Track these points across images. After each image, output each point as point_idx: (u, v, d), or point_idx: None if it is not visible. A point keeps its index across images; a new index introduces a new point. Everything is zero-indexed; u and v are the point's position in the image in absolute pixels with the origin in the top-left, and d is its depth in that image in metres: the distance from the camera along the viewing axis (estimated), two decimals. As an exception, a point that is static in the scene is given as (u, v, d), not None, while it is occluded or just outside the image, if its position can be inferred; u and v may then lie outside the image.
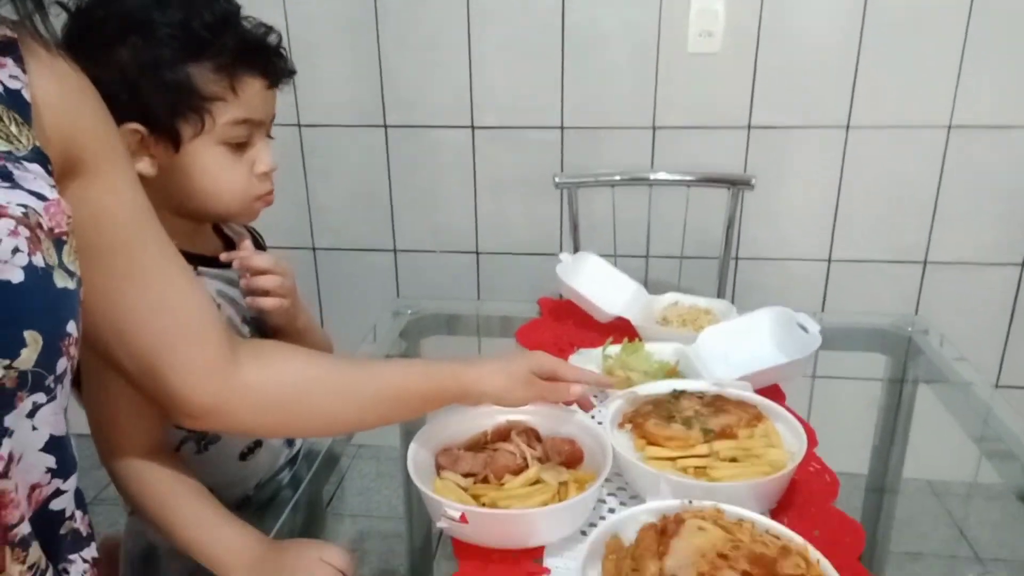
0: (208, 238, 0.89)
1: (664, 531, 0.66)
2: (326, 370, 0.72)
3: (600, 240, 1.75)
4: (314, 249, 2.02)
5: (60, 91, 0.54)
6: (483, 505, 0.74)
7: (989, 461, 1.05)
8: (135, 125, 0.74)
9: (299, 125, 1.91)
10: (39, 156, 0.51)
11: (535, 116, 1.86)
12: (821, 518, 0.76)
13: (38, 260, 0.47)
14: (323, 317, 2.08)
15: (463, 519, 0.71)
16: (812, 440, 0.85)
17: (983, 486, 1.14)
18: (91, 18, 0.73)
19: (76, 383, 0.77)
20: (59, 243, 0.50)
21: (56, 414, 0.51)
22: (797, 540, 0.65)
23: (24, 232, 0.46)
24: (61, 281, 0.49)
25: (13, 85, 0.51)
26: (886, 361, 1.29)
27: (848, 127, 1.78)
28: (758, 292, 1.88)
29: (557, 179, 1.68)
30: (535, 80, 1.83)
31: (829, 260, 1.88)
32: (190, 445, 0.84)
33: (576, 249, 1.68)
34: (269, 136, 0.83)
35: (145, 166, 0.76)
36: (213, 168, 0.78)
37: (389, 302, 1.44)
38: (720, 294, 1.65)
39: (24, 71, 0.52)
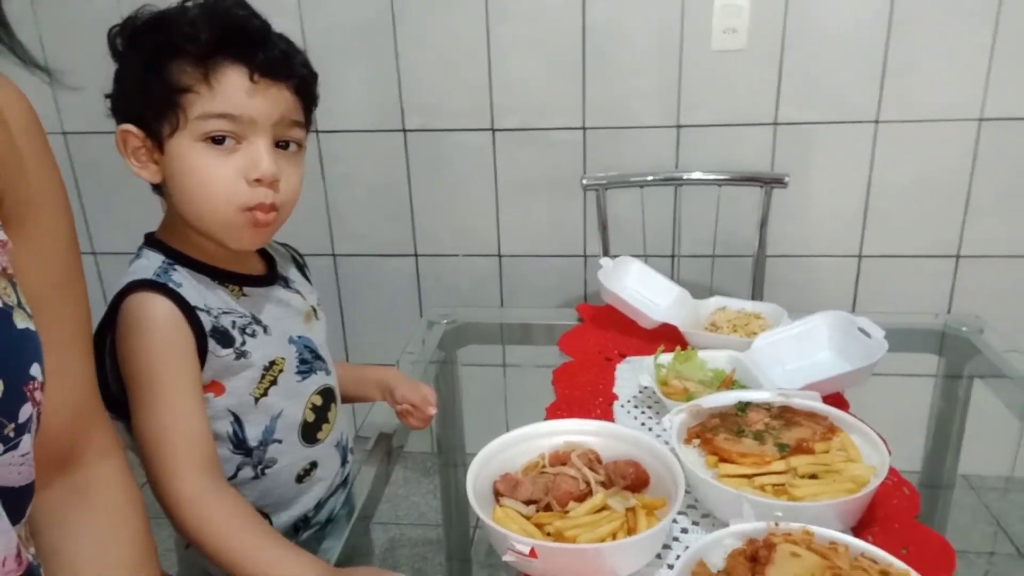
0: (250, 257, 0.86)
1: (756, 557, 0.62)
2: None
3: (627, 240, 1.72)
4: (334, 255, 1.99)
5: (8, 136, 0.49)
6: (548, 535, 0.71)
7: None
8: (126, 126, 0.73)
9: (317, 131, 1.88)
10: None
11: (556, 117, 1.83)
12: (907, 535, 0.73)
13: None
14: (344, 324, 2.04)
15: (533, 554, 0.67)
16: (888, 451, 0.82)
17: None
18: (111, 34, 0.73)
19: (123, 415, 0.74)
20: (14, 283, 0.47)
21: (15, 464, 0.46)
22: (898, 565, 0.62)
23: None
24: (22, 322, 0.45)
25: None
26: (934, 359, 1.26)
27: (877, 122, 1.75)
28: (790, 290, 1.84)
29: (584, 180, 1.64)
30: (556, 80, 1.80)
31: (860, 256, 1.85)
32: (247, 471, 0.81)
33: (605, 251, 1.64)
34: (285, 144, 0.76)
35: (149, 174, 0.75)
36: (192, 166, 0.72)
37: (419, 309, 1.40)
38: (755, 294, 1.62)
39: None
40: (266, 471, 0.82)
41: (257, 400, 0.80)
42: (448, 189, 1.91)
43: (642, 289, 1.20)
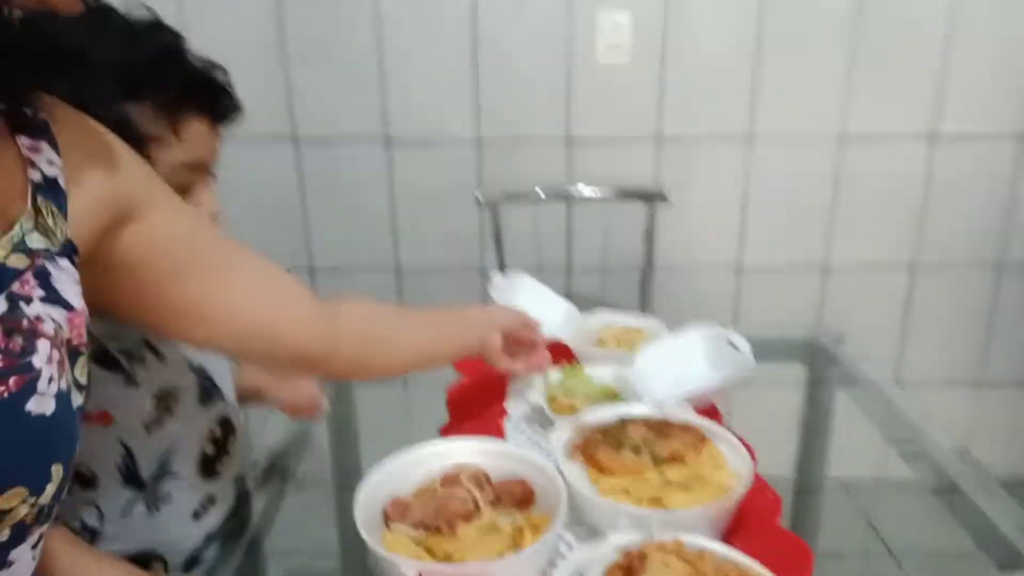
0: None
1: (630, 570, 0.66)
2: (386, 306, 0.84)
3: (522, 254, 1.76)
4: (222, 270, 1.92)
5: (92, 163, 0.53)
6: (437, 558, 0.72)
7: (900, 458, 1.13)
8: None
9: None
10: (69, 249, 0.51)
11: (450, 129, 1.85)
12: (768, 538, 0.79)
13: (63, 384, 0.47)
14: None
15: None
16: (753, 459, 0.88)
17: (895, 483, 1.22)
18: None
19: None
20: (74, 356, 0.49)
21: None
22: (756, 569, 0.67)
23: (55, 355, 0.46)
24: (76, 400, 0.48)
25: (50, 172, 0.50)
26: (800, 369, 1.36)
27: (751, 136, 1.87)
28: (676, 303, 1.94)
29: (479, 195, 1.67)
30: (448, 92, 1.82)
31: (738, 269, 1.97)
32: (140, 507, 0.78)
33: (501, 264, 1.67)
34: (212, 175, 0.78)
35: None
36: None
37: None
38: (643, 307, 1.69)
39: (59, 153, 0.51)
40: (160, 507, 0.79)
41: (150, 430, 0.77)
42: (343, 200, 1.89)
43: (533, 305, 1.22)
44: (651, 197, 1.66)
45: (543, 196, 1.68)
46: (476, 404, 1.06)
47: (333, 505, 1.10)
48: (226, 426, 0.86)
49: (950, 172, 1.89)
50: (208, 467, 0.83)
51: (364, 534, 0.72)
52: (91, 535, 0.79)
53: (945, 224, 1.93)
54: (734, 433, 0.89)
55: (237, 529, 0.86)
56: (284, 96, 1.80)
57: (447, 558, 0.72)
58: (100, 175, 0.53)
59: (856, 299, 1.98)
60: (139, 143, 0.68)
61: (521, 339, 0.97)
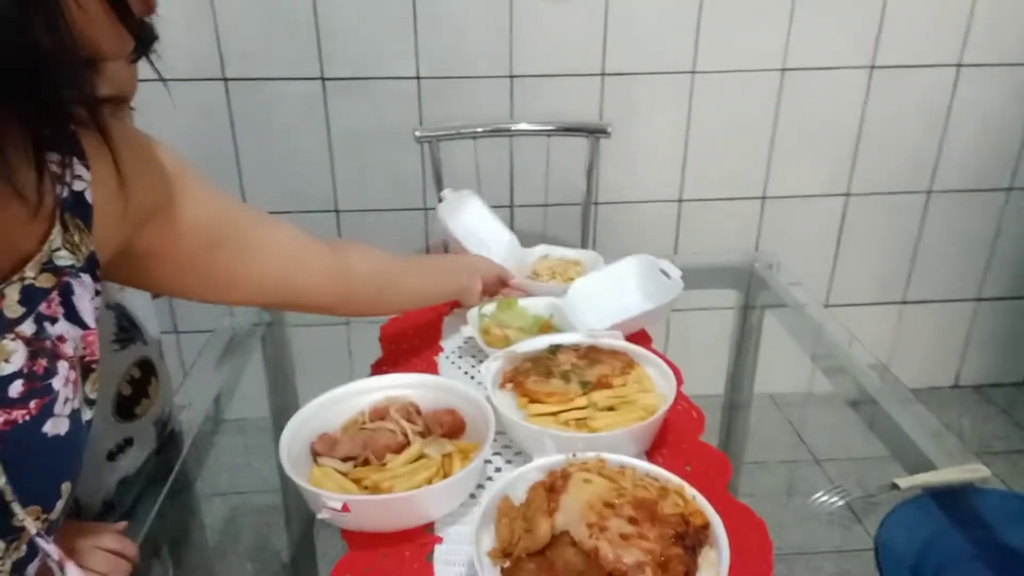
0: None
1: (552, 488, 0.67)
2: (388, 255, 0.91)
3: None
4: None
5: (119, 174, 0.53)
6: (365, 489, 0.72)
7: (824, 374, 1.17)
8: None
9: (124, 80, 1.72)
10: (92, 264, 0.52)
11: (389, 66, 1.79)
12: (692, 452, 0.82)
13: (76, 403, 0.48)
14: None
15: (345, 509, 0.69)
16: (679, 381, 0.90)
17: (820, 396, 1.27)
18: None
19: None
20: (86, 371, 0.50)
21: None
22: (674, 480, 0.69)
23: (71, 375, 0.48)
24: (86, 415, 0.49)
25: (78, 186, 0.51)
26: (735, 295, 1.39)
27: (693, 72, 1.86)
28: (617, 236, 1.95)
29: (417, 133, 1.63)
30: (387, 28, 1.76)
31: (680, 200, 1.99)
32: None
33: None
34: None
35: None
36: None
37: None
38: (584, 241, 1.70)
39: (87, 167, 0.51)
40: None
41: None
42: (277, 143, 1.83)
43: (477, 231, 1.21)
44: (592, 131, 1.64)
45: (480, 131, 1.65)
46: (410, 340, 1.06)
47: (271, 444, 1.11)
48: (146, 367, 0.85)
49: (887, 103, 1.91)
50: (125, 409, 0.82)
51: (288, 469, 0.72)
52: None
53: (879, 153, 1.97)
54: (662, 356, 0.91)
55: (162, 471, 0.85)
56: (211, 33, 1.72)
57: (375, 489, 0.72)
58: (128, 184, 0.54)
59: (792, 226, 2.02)
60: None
61: (494, 290, 1.08)
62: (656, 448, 0.82)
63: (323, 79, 1.79)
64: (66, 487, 0.48)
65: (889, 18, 1.84)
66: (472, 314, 1.04)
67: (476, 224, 1.23)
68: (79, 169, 0.51)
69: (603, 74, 1.85)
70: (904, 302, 2.15)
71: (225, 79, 1.77)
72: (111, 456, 0.82)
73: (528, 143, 1.76)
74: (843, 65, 1.88)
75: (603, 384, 0.84)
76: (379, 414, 0.82)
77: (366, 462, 0.77)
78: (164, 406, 0.91)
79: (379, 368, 0.99)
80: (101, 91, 0.71)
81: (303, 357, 1.22)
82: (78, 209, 0.51)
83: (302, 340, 1.23)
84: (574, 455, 0.72)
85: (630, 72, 1.85)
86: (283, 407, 1.21)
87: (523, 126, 1.66)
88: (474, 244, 1.19)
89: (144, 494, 0.84)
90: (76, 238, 0.50)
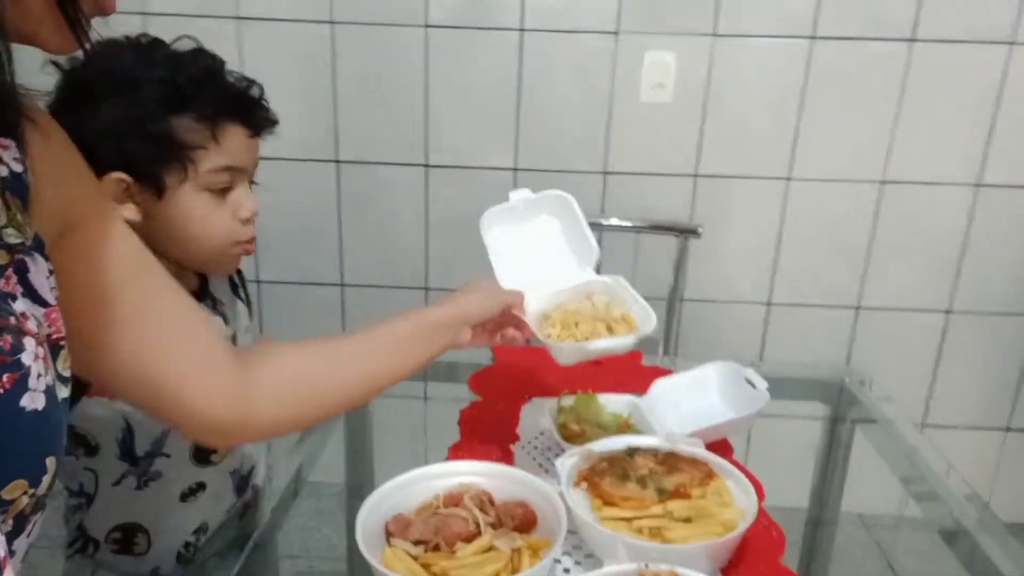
0: (190, 278, 0.90)
1: (622, 597, 0.66)
2: (322, 348, 0.76)
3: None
4: (258, 282, 1.98)
5: (52, 164, 0.54)
6: (433, 575, 0.73)
7: (914, 499, 1.11)
8: (119, 175, 0.77)
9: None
10: (39, 244, 0.51)
11: (489, 157, 1.88)
12: (769, 574, 0.78)
13: (50, 379, 0.48)
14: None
15: None
16: (760, 496, 0.87)
17: (908, 520, 1.19)
18: (81, 77, 0.76)
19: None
20: (55, 350, 0.50)
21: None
22: (750, 605, 0.66)
23: (40, 352, 0.47)
24: (62, 393, 0.49)
25: (16, 168, 0.50)
26: (823, 407, 1.34)
27: (789, 179, 1.87)
28: (703, 334, 1.93)
29: (510, 221, 1.69)
30: (490, 119, 1.86)
31: (769, 303, 1.95)
32: (130, 480, 0.82)
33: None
34: (252, 182, 0.86)
35: (130, 212, 0.79)
36: (197, 213, 0.81)
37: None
38: (667, 335, 1.69)
39: (24, 152, 0.51)
40: (149, 483, 0.84)
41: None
42: (378, 221, 1.94)
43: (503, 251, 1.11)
44: (683, 231, 1.66)
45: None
46: (488, 426, 1.07)
47: (344, 513, 1.13)
48: None
49: (992, 221, 1.85)
50: (202, 454, 0.88)
51: (363, 548, 0.73)
52: (86, 499, 0.85)
53: (983, 271, 1.89)
54: (743, 469, 0.88)
55: (247, 527, 0.89)
56: (330, 119, 1.87)
57: (443, 575, 0.73)
58: (58, 177, 0.54)
59: (888, 339, 1.94)
60: (182, 149, 0.77)
61: (497, 327, 0.93)
62: (732, 566, 0.79)
63: (426, 166, 1.90)
64: (51, 462, 0.47)
65: (998, 135, 1.80)
66: (551, 407, 1.05)
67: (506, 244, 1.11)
68: (15, 151, 0.51)
69: (696, 175, 1.88)
70: (1008, 428, 2.00)
71: (338, 161, 1.91)
72: (183, 497, 0.87)
73: (617, 237, 1.79)
74: (947, 181, 1.84)
75: (681, 494, 0.82)
76: (453, 500, 0.83)
77: (436, 547, 0.77)
78: (243, 459, 0.95)
79: (456, 452, 1.01)
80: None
81: (382, 428, 1.25)
82: (17, 189, 0.50)
83: (381, 412, 1.26)
84: (646, 565, 0.71)
85: (724, 175, 1.87)
86: (359, 476, 1.24)
87: (614, 221, 1.70)
88: (501, 261, 1.08)
89: (230, 547, 0.87)
90: (19, 218, 0.50)
